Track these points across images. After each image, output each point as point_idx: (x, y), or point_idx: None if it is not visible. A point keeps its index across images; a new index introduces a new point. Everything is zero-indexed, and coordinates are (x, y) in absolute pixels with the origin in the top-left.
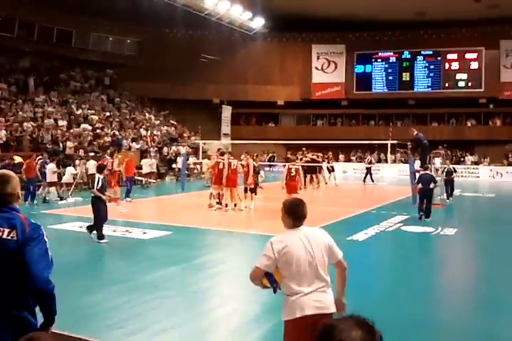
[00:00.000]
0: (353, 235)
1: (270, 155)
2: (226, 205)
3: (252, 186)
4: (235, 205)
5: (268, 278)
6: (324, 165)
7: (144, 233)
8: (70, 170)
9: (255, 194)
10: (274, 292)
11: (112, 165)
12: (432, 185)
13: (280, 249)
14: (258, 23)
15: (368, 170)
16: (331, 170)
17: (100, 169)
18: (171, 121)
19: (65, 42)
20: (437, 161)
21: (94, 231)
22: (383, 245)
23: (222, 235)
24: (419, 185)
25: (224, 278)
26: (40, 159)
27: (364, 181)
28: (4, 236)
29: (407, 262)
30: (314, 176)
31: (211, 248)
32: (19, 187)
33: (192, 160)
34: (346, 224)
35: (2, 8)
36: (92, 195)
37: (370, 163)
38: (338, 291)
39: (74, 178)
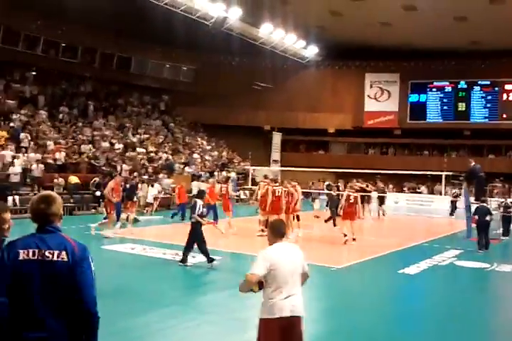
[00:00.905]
0: (404, 268)
1: (327, 183)
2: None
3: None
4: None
5: (258, 284)
6: (374, 194)
7: (193, 257)
8: (152, 191)
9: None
10: (255, 292)
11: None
12: (488, 218)
13: (271, 259)
14: (311, 51)
15: (453, 204)
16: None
17: (201, 194)
18: (223, 147)
19: (124, 68)
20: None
21: (215, 262)
22: (435, 279)
23: None
24: (476, 217)
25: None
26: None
27: (451, 215)
28: (54, 259)
29: (460, 298)
30: (362, 206)
31: None
32: (61, 207)
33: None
34: (397, 257)
35: (67, 35)
36: (193, 220)
37: (456, 196)
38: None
39: (155, 198)
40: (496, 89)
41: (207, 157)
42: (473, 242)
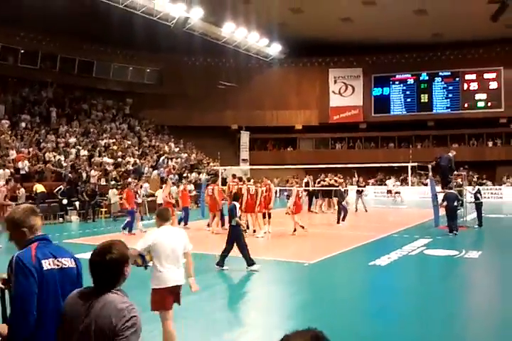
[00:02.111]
0: (375, 260)
1: (306, 180)
2: (254, 231)
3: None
4: (254, 231)
5: (141, 258)
6: (352, 188)
7: None
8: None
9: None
10: (145, 268)
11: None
12: (456, 203)
13: (154, 239)
14: (275, 49)
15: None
16: (360, 193)
17: (236, 197)
18: (191, 148)
19: (86, 72)
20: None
21: (255, 267)
22: (406, 270)
23: (243, 262)
24: (445, 203)
25: (245, 305)
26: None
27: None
28: (70, 265)
29: (430, 287)
30: (332, 200)
31: (232, 275)
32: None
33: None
34: (368, 249)
35: (25, 41)
36: (234, 223)
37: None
38: (189, 272)
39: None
40: (457, 79)
41: (175, 159)
42: (441, 230)
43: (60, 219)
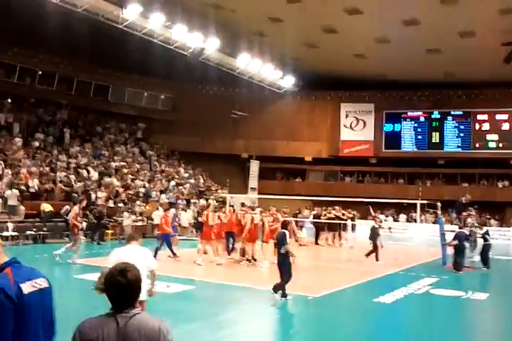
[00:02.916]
0: (379, 297)
1: (315, 212)
2: (255, 260)
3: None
4: (255, 260)
5: None
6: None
7: (168, 286)
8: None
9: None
10: None
11: None
12: (465, 243)
13: (118, 255)
14: (288, 81)
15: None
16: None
17: (285, 225)
18: (200, 174)
19: (101, 96)
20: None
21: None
22: (411, 308)
23: (246, 291)
24: (454, 242)
25: (242, 337)
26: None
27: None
28: (45, 285)
29: (435, 326)
30: (337, 234)
31: (233, 304)
32: None
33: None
34: (373, 286)
35: (44, 63)
36: (283, 251)
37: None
38: (152, 283)
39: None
40: (469, 119)
41: (184, 185)
42: (448, 270)
43: (66, 238)
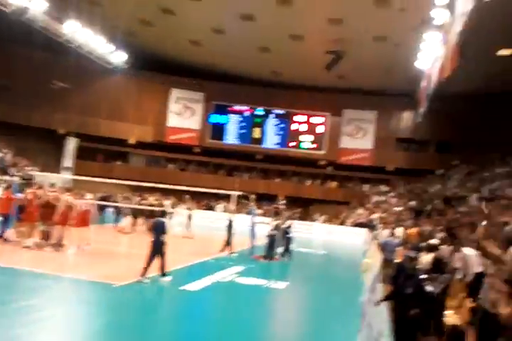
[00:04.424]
0: (186, 285)
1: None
2: (61, 245)
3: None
4: (62, 246)
5: None
6: (184, 211)
7: None
8: None
9: None
10: None
11: None
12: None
13: None
14: (119, 57)
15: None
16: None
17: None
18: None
19: None
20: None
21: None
22: (215, 296)
23: (49, 278)
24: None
25: (42, 325)
26: None
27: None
28: None
29: (235, 314)
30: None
31: (33, 292)
32: None
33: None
34: (182, 273)
35: None
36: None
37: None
38: None
39: None
40: (289, 118)
41: None
42: (256, 260)
43: None
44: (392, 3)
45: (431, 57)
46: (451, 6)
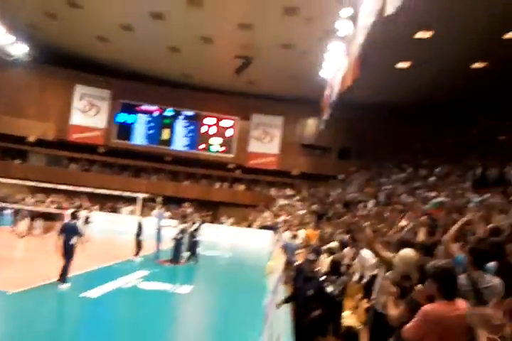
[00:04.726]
0: (87, 291)
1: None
2: None
3: None
4: None
5: None
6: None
7: None
8: None
9: None
10: None
11: None
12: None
13: None
14: (20, 49)
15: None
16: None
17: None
18: None
19: None
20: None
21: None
22: (116, 303)
23: None
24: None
25: None
26: None
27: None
28: None
29: (135, 321)
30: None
31: None
32: None
33: None
34: (82, 279)
35: None
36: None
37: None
38: None
39: None
40: (198, 120)
41: None
42: (161, 264)
43: None
44: (300, 12)
45: (334, 66)
46: (354, 19)
